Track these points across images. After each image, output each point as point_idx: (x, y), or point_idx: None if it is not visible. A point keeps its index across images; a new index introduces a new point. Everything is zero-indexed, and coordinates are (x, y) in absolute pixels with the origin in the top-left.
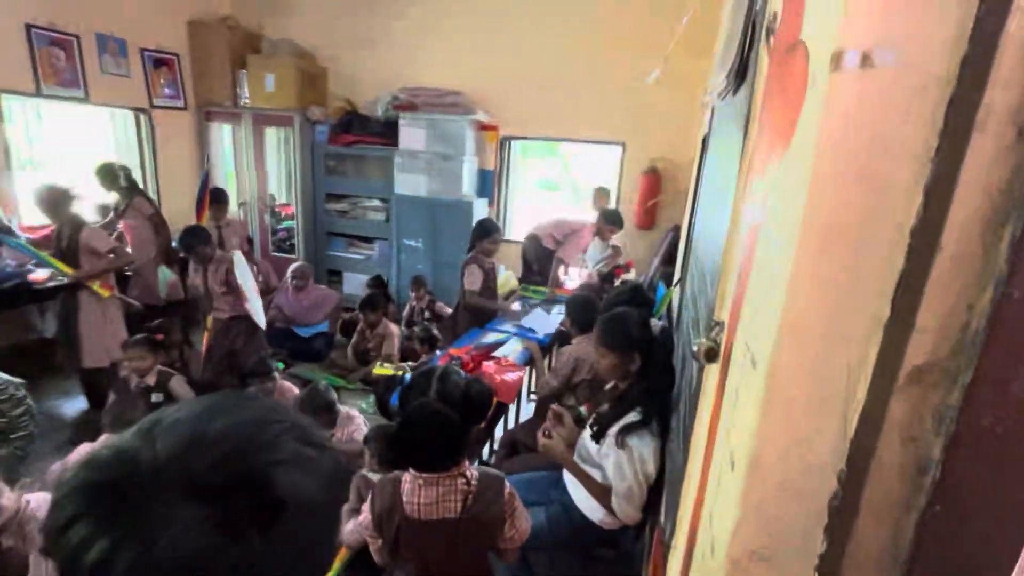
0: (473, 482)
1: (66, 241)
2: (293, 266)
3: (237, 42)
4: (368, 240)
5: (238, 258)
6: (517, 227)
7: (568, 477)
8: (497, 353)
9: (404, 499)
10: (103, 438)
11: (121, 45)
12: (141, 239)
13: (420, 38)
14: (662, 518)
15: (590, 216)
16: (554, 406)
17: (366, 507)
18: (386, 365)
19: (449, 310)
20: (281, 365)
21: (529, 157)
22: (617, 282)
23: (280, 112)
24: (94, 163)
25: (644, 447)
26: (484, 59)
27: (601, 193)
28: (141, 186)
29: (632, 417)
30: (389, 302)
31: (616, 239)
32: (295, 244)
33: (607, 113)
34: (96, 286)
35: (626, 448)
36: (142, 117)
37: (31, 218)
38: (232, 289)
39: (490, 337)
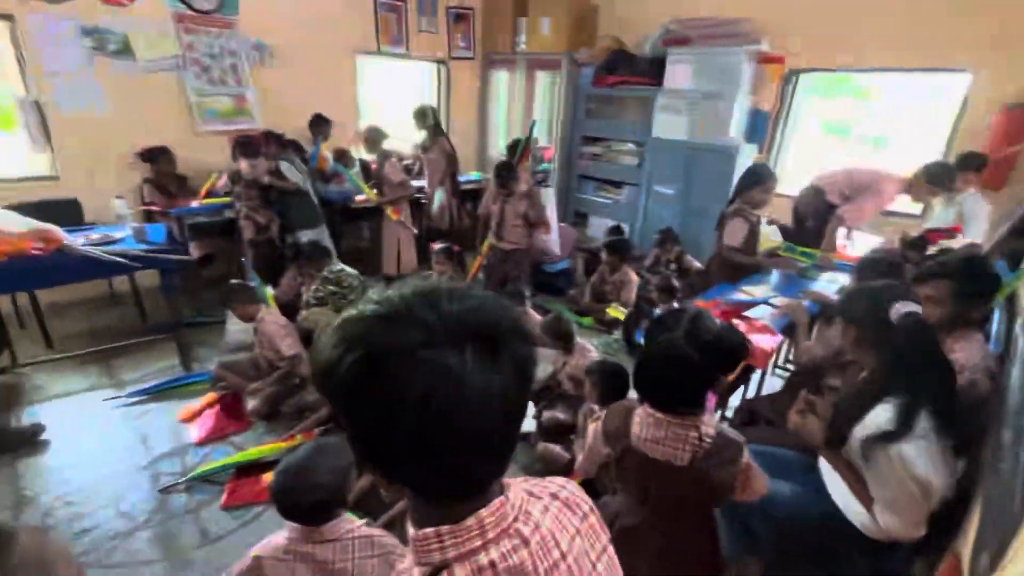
0: (707, 439)
1: (378, 171)
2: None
3: None
4: (617, 185)
5: (548, 194)
6: (790, 178)
7: (825, 463)
8: (749, 313)
9: (633, 429)
10: None
11: (433, 4)
12: (437, 172)
13: None
14: (964, 546)
15: (894, 169)
16: (805, 392)
17: (589, 438)
18: (619, 308)
19: (698, 264)
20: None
21: (815, 96)
22: (933, 250)
23: (551, 56)
24: (411, 106)
25: (911, 449)
26: None
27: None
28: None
29: (881, 418)
30: (631, 249)
31: (981, 211)
32: (550, 187)
33: (946, 30)
34: (389, 210)
35: (881, 453)
36: (442, 68)
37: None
38: (529, 221)
39: (742, 295)
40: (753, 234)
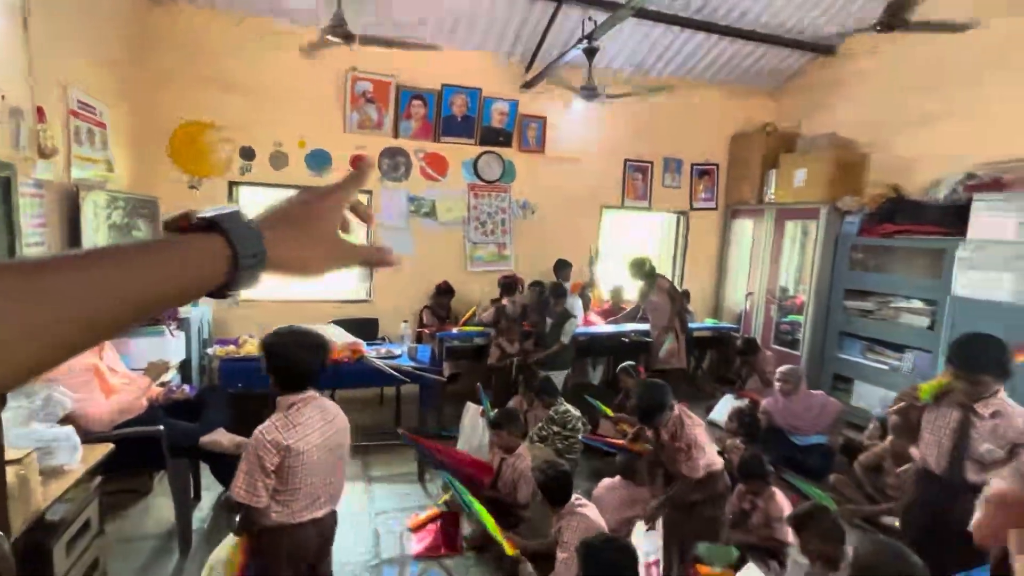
0: None
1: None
2: (782, 368)
3: (772, 145)
4: (898, 348)
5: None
6: None
7: None
8: None
9: None
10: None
11: (678, 164)
12: (660, 311)
13: (1005, 104)
14: None
15: None
16: None
17: None
18: None
19: None
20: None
21: None
22: None
23: (805, 205)
24: (628, 258)
25: None
26: None
27: None
28: (669, 271)
29: None
30: None
31: None
32: (799, 340)
33: None
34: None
35: None
36: (681, 218)
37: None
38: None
39: None
40: None
